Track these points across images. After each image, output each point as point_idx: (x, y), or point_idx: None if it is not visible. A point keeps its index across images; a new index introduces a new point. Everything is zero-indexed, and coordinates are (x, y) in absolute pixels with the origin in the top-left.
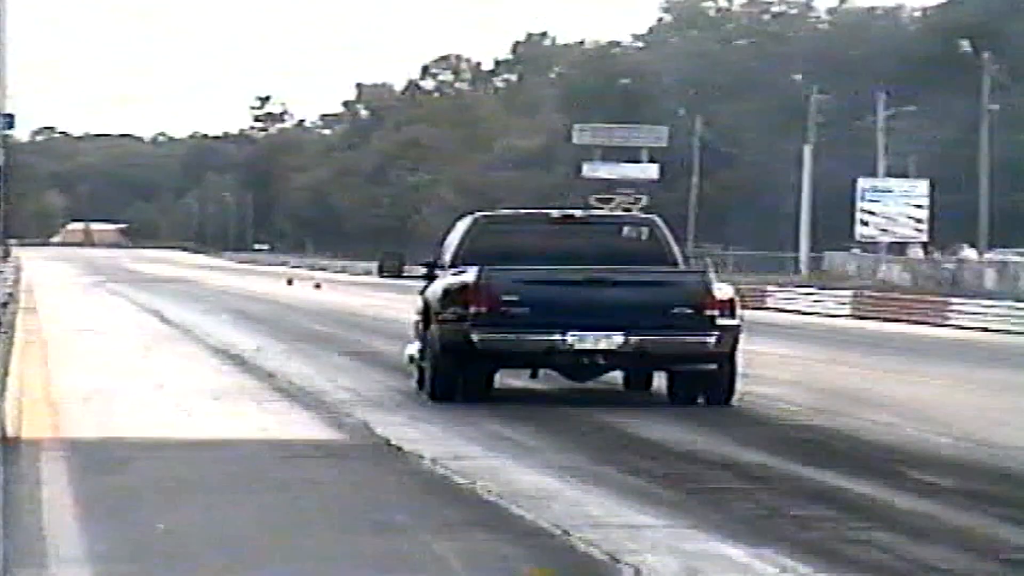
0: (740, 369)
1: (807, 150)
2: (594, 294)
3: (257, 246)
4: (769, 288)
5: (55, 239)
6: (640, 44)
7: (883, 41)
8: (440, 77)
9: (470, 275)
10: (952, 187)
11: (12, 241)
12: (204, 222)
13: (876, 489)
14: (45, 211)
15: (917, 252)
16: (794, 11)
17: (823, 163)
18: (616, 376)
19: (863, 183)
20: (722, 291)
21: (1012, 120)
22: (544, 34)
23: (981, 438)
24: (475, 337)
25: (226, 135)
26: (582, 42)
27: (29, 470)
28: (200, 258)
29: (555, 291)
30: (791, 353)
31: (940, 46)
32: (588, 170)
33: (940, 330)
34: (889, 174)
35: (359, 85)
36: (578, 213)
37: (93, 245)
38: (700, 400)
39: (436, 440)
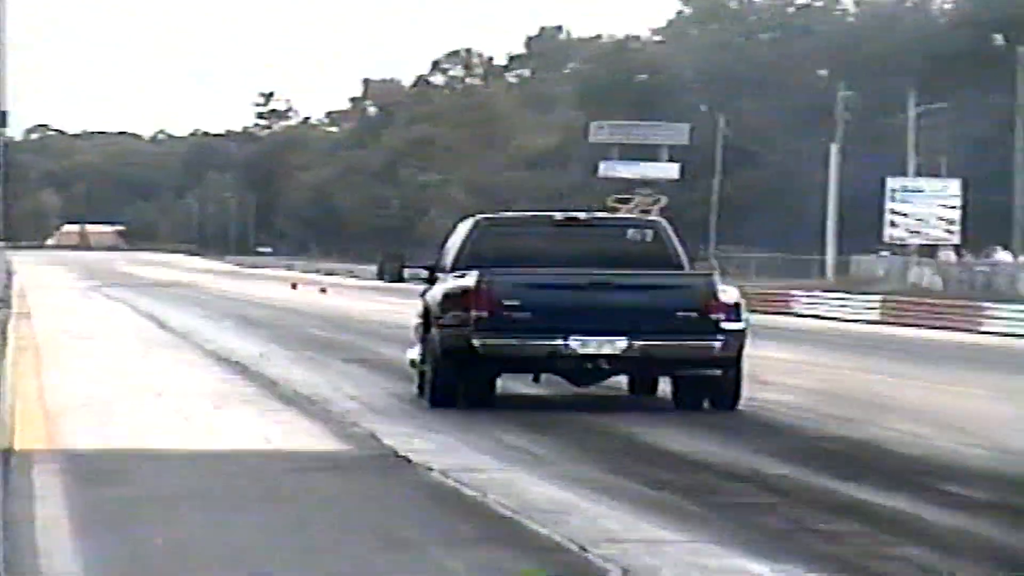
0: (763, 377)
1: (834, 148)
2: (597, 298)
3: (259, 249)
4: (794, 293)
5: (50, 241)
6: (659, 38)
7: (913, 34)
8: (451, 72)
9: (471, 279)
10: (985, 186)
11: (1, 244)
12: (205, 223)
13: (905, 502)
14: (39, 212)
15: (949, 255)
16: (820, 3)
17: (850, 162)
18: (621, 381)
19: (892, 183)
20: (727, 294)
21: None
22: (559, 28)
23: (1015, 449)
24: (476, 342)
25: (228, 133)
26: (598, 36)
27: (23, 483)
28: (200, 261)
29: (557, 295)
30: (816, 360)
31: (972, 39)
32: (605, 169)
33: (973, 337)
34: (919, 173)
35: (366, 81)
36: (581, 215)
37: (89, 248)
38: (706, 405)
39: (446, 451)
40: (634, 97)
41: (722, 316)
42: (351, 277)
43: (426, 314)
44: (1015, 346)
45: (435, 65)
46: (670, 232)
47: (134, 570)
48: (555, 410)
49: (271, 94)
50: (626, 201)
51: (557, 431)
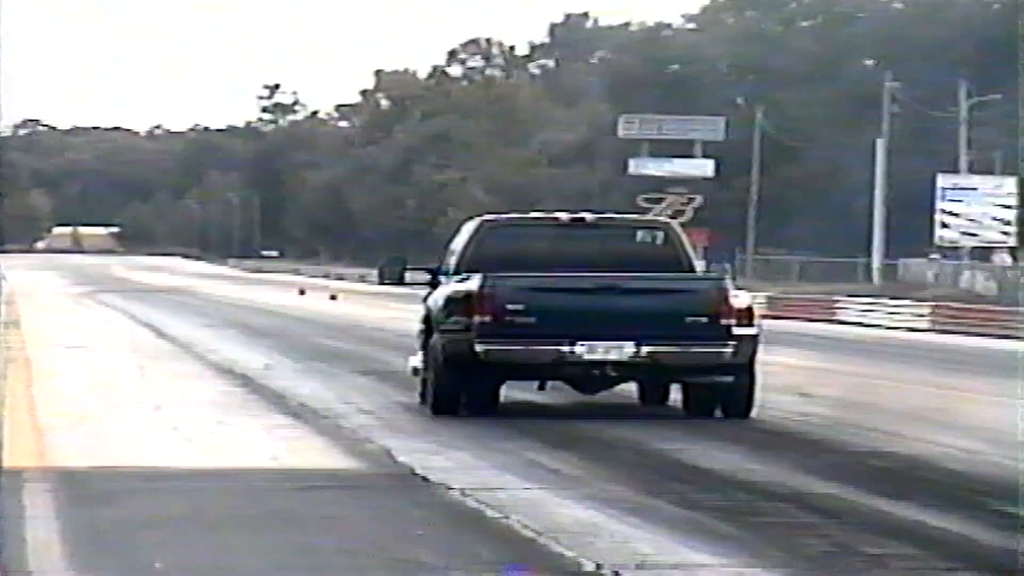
0: (805, 388)
1: (880, 144)
2: (604, 302)
3: (265, 252)
4: (838, 298)
5: (40, 245)
6: (692, 25)
7: (964, 21)
8: (469, 63)
9: (473, 283)
10: None
11: None
12: (206, 225)
13: (958, 523)
14: (29, 214)
15: (1004, 258)
16: None
17: (898, 158)
18: (631, 389)
19: (943, 180)
20: (739, 299)
21: None
22: (584, 15)
23: None
24: (479, 348)
25: (230, 128)
26: (627, 24)
27: (12, 503)
28: (201, 265)
29: (563, 299)
30: (862, 371)
31: None
32: (635, 166)
33: None
34: (972, 170)
35: (379, 72)
36: (589, 217)
37: (82, 251)
38: (717, 413)
39: (465, 469)
40: (666, 89)
41: (733, 321)
42: (362, 282)
43: (428, 319)
44: None
45: (452, 55)
46: (681, 233)
47: None
48: (578, 423)
49: (276, 86)
50: (657, 201)
51: (581, 447)
